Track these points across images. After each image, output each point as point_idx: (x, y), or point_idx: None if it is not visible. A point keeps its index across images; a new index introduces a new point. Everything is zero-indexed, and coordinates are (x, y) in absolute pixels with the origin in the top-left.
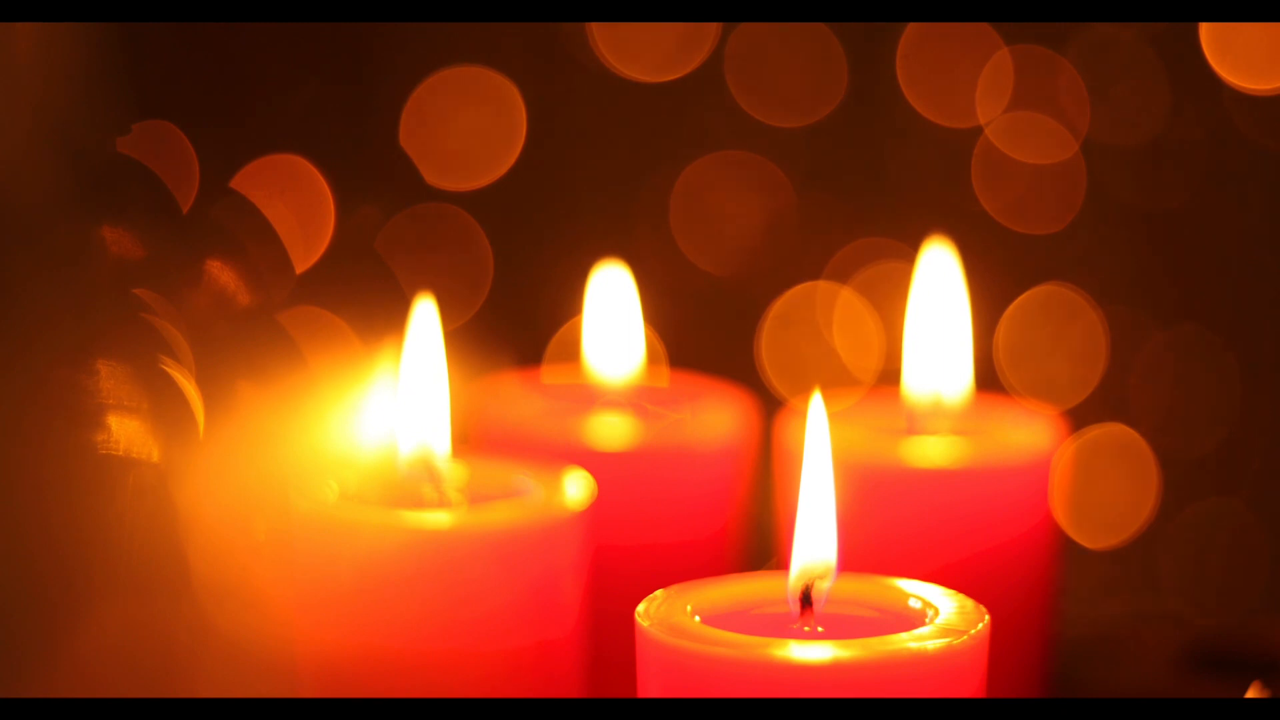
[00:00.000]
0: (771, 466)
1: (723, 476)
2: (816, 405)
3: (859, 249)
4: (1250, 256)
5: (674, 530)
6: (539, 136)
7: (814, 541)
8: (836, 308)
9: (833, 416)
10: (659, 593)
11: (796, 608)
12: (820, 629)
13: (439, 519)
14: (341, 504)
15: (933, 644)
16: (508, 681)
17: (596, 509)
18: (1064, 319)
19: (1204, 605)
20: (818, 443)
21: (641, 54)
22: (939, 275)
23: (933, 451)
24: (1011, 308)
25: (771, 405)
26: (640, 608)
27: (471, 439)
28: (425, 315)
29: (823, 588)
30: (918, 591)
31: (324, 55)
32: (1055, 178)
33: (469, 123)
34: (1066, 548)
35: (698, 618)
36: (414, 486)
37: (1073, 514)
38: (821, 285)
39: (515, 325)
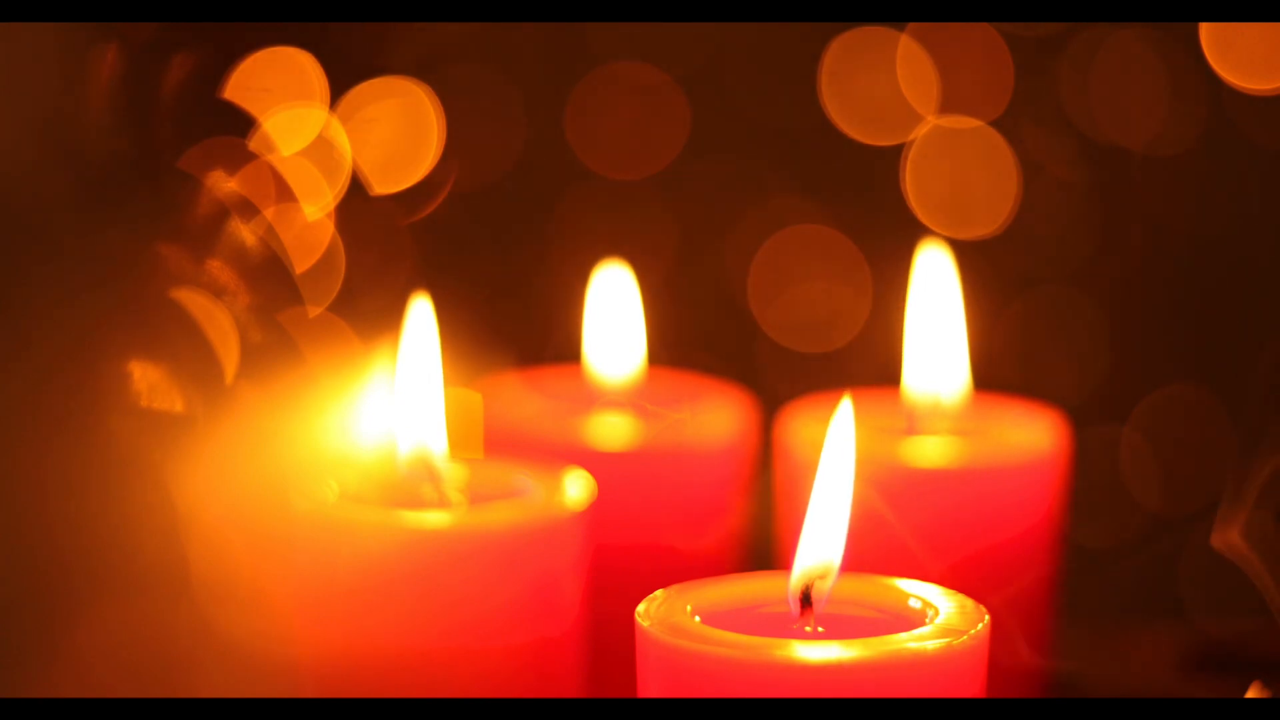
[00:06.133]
0: (772, 466)
1: (723, 476)
2: (845, 409)
3: (859, 249)
4: (1250, 256)
5: (674, 530)
6: (540, 136)
7: (822, 543)
8: (837, 308)
9: (832, 416)
10: (659, 593)
11: (797, 608)
12: (820, 629)
13: (439, 519)
14: (341, 504)
15: (933, 644)
16: (507, 682)
17: (596, 509)
18: (1064, 319)
19: (1204, 605)
20: (840, 446)
21: (642, 53)
22: (936, 276)
23: (933, 451)
24: (1011, 308)
25: (771, 405)
26: (640, 608)
27: (479, 440)
28: (420, 315)
29: (823, 588)
30: (918, 591)
31: (324, 55)
32: (1055, 178)
33: (469, 122)
34: (1066, 548)
35: (698, 618)
36: (414, 486)
37: (1073, 514)
38: (822, 285)
39: (515, 325)
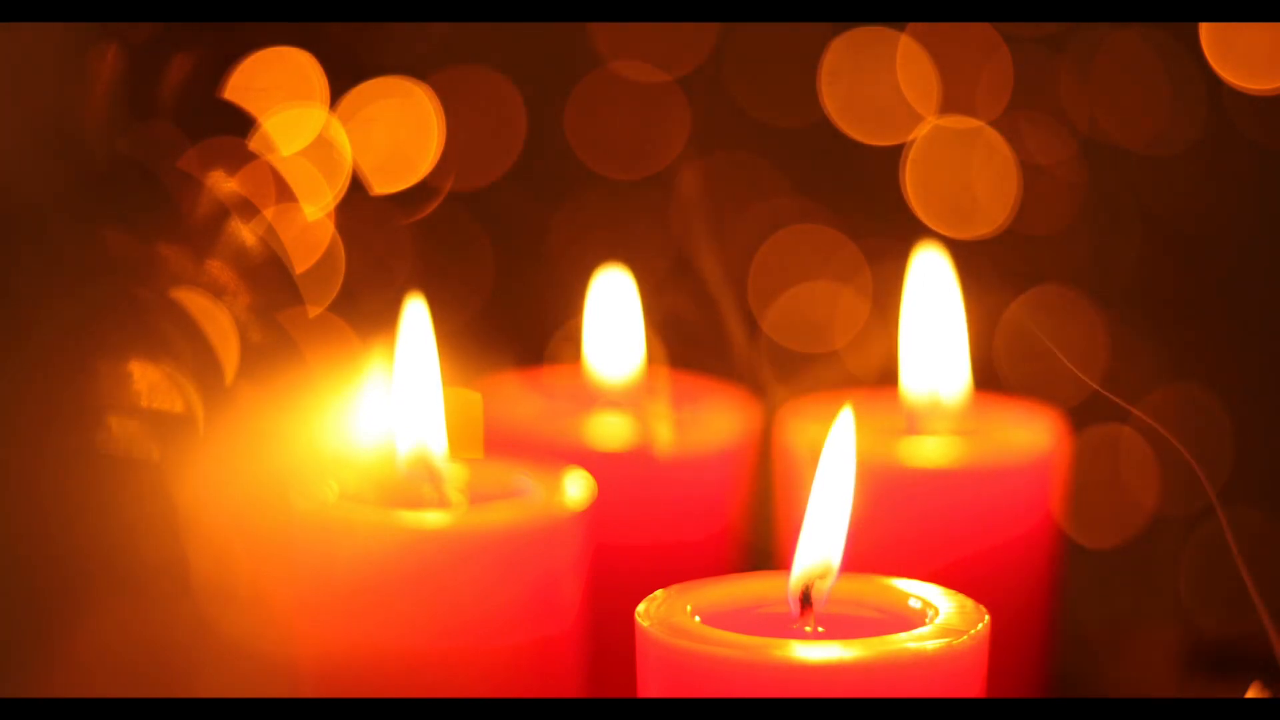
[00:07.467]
0: (772, 466)
1: (722, 477)
2: (845, 411)
3: (859, 249)
4: (1250, 256)
5: (674, 530)
6: (539, 136)
7: (821, 543)
8: (837, 308)
9: (832, 416)
10: (659, 593)
11: (796, 608)
12: (820, 629)
13: (439, 519)
14: (341, 504)
15: (933, 644)
16: (508, 682)
17: (596, 509)
18: (1064, 319)
19: (1205, 605)
20: (840, 446)
21: (642, 53)
22: (933, 276)
23: (933, 451)
24: (1011, 308)
25: (771, 405)
26: (640, 608)
27: (479, 440)
28: (416, 315)
29: (823, 588)
30: (918, 591)
31: (323, 54)
32: (1055, 178)
33: (469, 122)
34: (1066, 548)
35: (698, 618)
36: (413, 486)
37: (1073, 514)
38: (822, 285)
39: (515, 325)
